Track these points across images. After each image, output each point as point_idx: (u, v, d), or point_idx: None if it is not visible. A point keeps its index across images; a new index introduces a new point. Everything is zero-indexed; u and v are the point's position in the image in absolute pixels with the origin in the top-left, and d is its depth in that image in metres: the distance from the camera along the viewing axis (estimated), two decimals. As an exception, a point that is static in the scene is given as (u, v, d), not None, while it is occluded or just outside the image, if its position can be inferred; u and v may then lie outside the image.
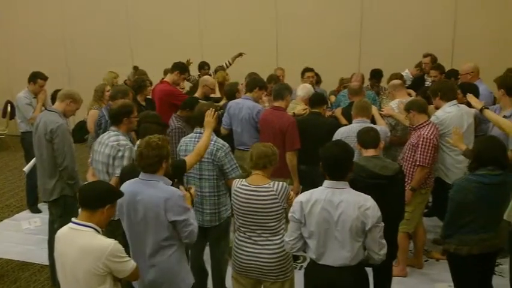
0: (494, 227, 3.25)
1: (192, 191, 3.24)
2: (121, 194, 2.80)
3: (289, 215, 2.91)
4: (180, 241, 2.97)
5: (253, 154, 3.22)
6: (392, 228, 3.47)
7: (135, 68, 7.19)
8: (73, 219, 2.69)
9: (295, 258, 4.25)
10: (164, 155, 2.93)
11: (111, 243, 2.59)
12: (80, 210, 2.80)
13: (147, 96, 5.53)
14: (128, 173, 3.32)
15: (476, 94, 4.52)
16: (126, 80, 6.64)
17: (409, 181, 4.14)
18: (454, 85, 4.65)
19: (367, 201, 2.76)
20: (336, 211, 2.75)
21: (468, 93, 4.31)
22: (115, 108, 3.95)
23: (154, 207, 2.85)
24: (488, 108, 4.04)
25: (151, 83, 5.60)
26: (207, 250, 4.01)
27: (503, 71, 5.58)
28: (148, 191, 2.89)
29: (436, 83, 4.69)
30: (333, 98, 6.47)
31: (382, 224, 2.78)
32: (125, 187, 2.97)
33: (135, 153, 3.03)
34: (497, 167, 3.14)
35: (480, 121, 4.51)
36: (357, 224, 2.73)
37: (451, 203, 3.21)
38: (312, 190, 2.90)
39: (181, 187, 3.17)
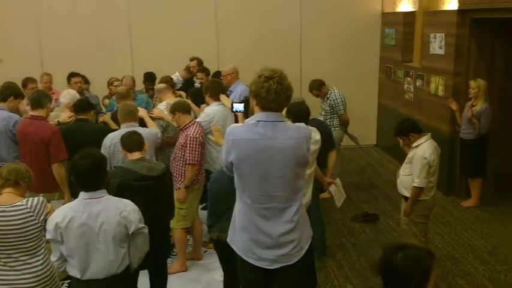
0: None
1: None
2: None
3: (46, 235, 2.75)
4: None
5: (3, 171, 2.97)
6: (163, 228, 3.57)
7: None
8: None
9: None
10: None
11: None
12: None
13: None
14: None
15: None
16: None
17: (182, 179, 4.32)
18: (223, 87, 5.04)
19: (128, 206, 2.75)
20: (96, 222, 2.67)
21: (221, 94, 4.73)
22: None
23: None
24: None
25: None
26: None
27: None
28: None
29: (210, 83, 5.07)
30: (106, 102, 6.30)
31: (145, 229, 2.79)
32: None
33: None
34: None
35: None
36: (120, 230, 2.70)
37: (210, 194, 3.42)
38: (67, 205, 2.79)
39: None
